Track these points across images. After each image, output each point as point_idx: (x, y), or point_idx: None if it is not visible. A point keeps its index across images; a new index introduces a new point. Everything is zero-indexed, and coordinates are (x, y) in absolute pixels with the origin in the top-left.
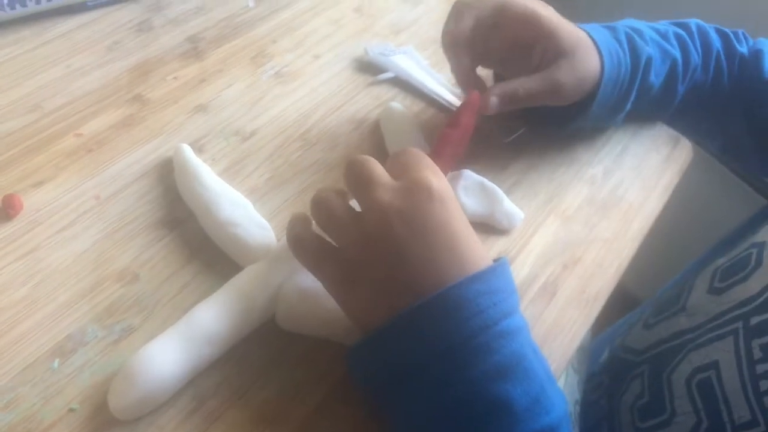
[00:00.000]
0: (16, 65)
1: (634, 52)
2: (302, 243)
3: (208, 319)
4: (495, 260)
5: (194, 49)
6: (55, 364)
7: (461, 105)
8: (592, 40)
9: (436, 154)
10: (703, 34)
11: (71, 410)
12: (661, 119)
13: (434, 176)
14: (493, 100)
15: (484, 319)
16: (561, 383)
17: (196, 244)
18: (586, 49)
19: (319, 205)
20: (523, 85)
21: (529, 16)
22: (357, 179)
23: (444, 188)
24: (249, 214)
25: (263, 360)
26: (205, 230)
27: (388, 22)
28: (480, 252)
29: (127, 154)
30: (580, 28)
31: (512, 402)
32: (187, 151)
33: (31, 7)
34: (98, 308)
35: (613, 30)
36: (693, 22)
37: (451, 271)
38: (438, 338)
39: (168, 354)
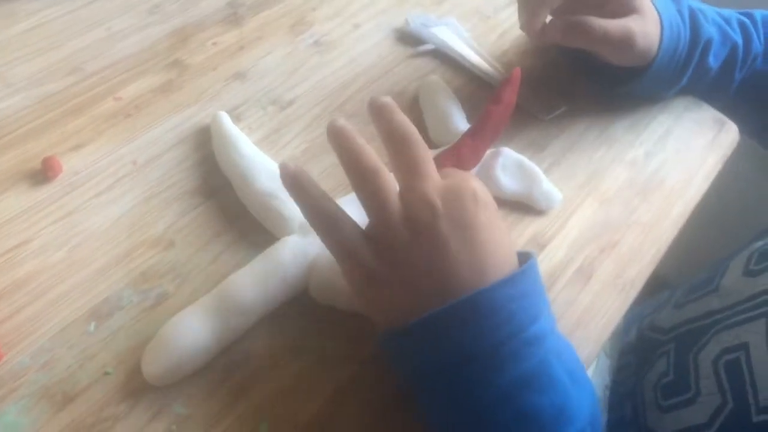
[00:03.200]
0: (57, 26)
1: (695, 29)
2: (334, 228)
3: (242, 289)
4: (520, 252)
5: (234, 15)
6: (92, 327)
7: (504, 81)
8: (654, 6)
9: (477, 131)
10: (767, 25)
11: (106, 374)
12: (716, 106)
13: (474, 180)
14: (558, 24)
15: (513, 326)
16: (592, 369)
17: (231, 213)
18: (651, 11)
19: (371, 175)
20: (600, 22)
21: None
22: (407, 161)
23: (486, 193)
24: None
25: (295, 332)
26: (241, 199)
27: None
28: (511, 254)
29: (165, 120)
30: None
31: (539, 413)
32: (225, 119)
33: None
34: (134, 273)
35: (677, 2)
36: (759, 12)
37: (489, 275)
38: (467, 342)
39: (201, 323)
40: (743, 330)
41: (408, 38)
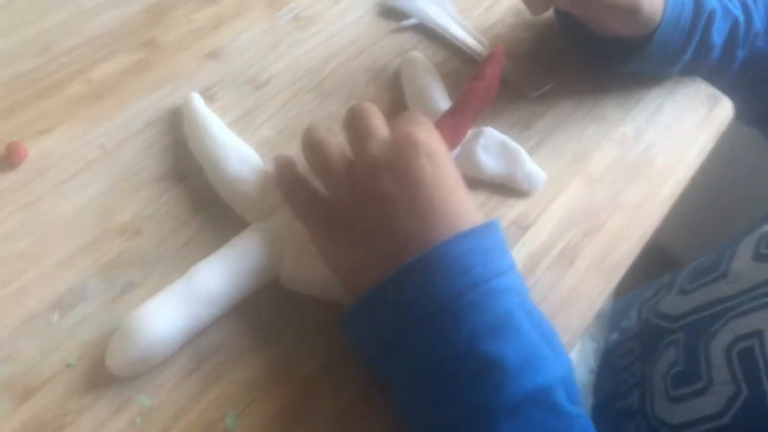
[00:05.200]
0: (26, 3)
1: (698, 1)
2: (295, 189)
3: (210, 277)
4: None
5: None
6: (55, 318)
7: (487, 57)
8: None
9: (459, 109)
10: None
11: (69, 366)
12: (718, 86)
13: (422, 130)
14: None
15: (473, 278)
16: (576, 351)
17: (202, 198)
18: None
19: (315, 148)
20: None
21: None
22: (356, 130)
23: (432, 142)
24: (257, 170)
25: (266, 320)
26: (213, 184)
27: None
28: (471, 210)
29: (137, 102)
30: None
31: (503, 360)
32: (197, 100)
33: None
34: (100, 262)
35: None
36: None
37: (439, 228)
38: (426, 298)
39: (168, 312)
40: (757, 317)
41: (390, 12)
